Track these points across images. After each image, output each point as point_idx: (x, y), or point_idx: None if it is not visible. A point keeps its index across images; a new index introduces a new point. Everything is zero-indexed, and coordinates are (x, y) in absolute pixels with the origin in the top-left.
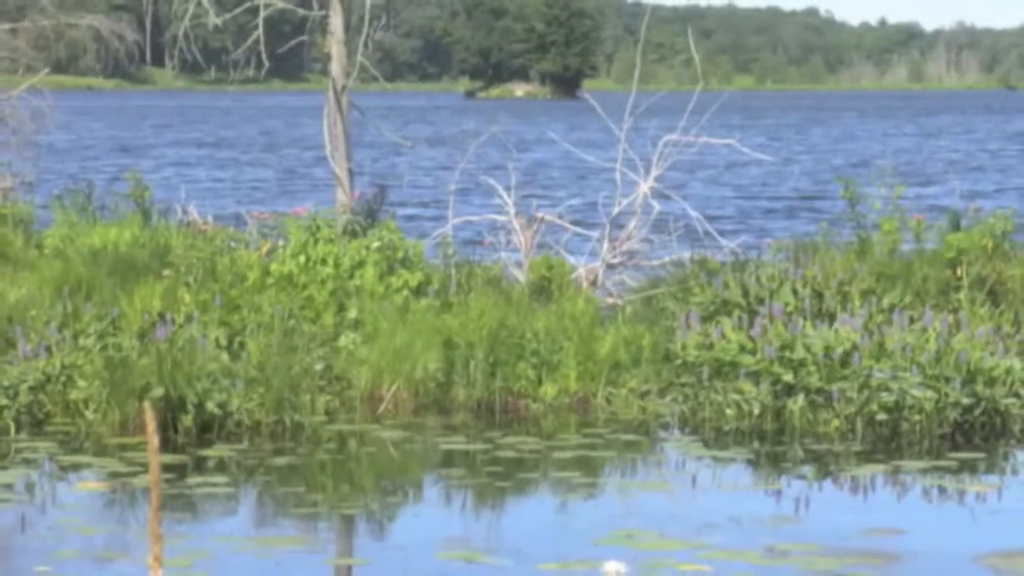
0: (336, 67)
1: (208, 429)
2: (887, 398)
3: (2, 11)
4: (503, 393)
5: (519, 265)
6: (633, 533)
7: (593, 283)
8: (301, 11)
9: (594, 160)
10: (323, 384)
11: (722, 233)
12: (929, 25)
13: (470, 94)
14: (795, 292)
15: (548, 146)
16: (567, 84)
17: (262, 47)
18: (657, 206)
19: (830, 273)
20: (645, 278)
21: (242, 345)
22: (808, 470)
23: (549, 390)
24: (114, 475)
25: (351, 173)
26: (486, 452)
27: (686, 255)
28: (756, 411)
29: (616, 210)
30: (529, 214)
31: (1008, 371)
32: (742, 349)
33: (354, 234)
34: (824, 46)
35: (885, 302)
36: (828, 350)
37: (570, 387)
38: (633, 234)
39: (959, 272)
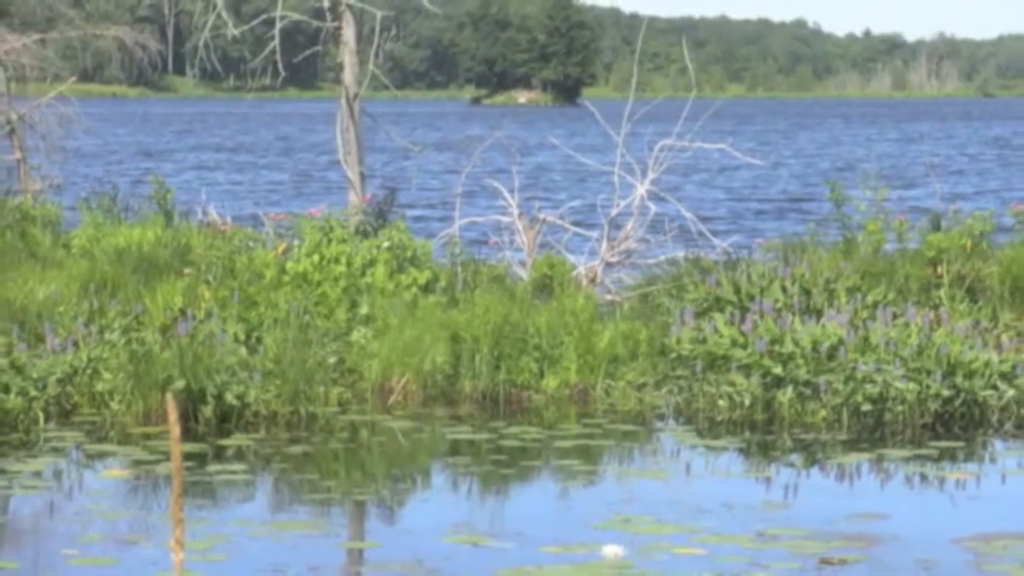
0: (348, 76)
1: (227, 419)
2: (871, 390)
3: (32, 23)
4: (507, 385)
5: (522, 264)
6: (630, 518)
7: (592, 281)
8: (315, 23)
9: (593, 164)
10: (336, 376)
11: (715, 233)
12: (911, 36)
13: (475, 101)
14: (784, 289)
15: (550, 151)
16: (567, 92)
17: (278, 57)
18: (653, 207)
19: (817, 271)
20: (642, 276)
21: (259, 340)
22: (796, 458)
23: (550, 382)
24: (138, 463)
25: (362, 176)
26: (490, 441)
27: (681, 254)
28: (747, 402)
29: (614, 211)
30: (532, 215)
31: (986, 364)
32: (734, 343)
33: (365, 234)
34: (811, 56)
35: (869, 299)
36: (815, 344)
37: (570, 379)
38: (630, 234)
39: (940, 270)
